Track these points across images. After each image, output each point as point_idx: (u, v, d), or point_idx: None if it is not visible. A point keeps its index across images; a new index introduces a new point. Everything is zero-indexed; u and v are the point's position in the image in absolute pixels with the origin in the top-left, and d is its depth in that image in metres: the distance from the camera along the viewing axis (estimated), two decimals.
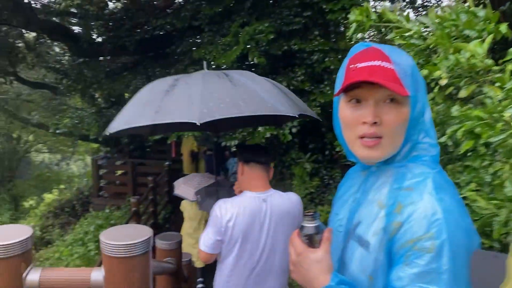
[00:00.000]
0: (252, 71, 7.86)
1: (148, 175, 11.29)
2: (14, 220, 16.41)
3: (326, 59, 6.75)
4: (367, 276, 1.06)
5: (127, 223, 8.01)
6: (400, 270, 0.96)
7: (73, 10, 9.38)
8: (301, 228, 1.08)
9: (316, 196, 7.27)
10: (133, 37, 7.82)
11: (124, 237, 1.51)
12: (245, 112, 2.06)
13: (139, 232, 1.55)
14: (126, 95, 15.22)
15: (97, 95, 8.40)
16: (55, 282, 1.53)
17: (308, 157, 7.24)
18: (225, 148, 10.05)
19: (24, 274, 1.48)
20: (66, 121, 8.99)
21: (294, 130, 6.51)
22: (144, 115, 2.10)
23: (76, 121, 9.13)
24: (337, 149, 6.76)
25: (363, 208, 1.14)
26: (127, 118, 2.23)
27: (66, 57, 9.47)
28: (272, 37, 5.99)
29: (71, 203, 13.61)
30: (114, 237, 1.51)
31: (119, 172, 13.33)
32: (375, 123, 1.04)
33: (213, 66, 6.98)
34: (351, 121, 1.09)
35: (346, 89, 1.07)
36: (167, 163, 11.77)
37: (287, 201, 2.42)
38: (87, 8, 8.11)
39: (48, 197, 16.58)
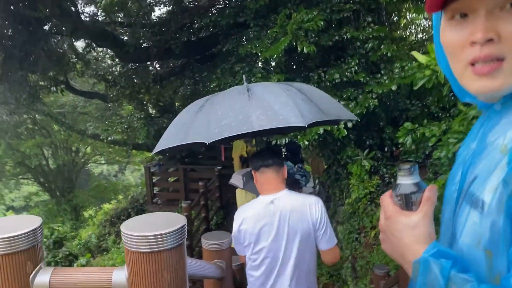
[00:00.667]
0: (301, 64, 7.49)
1: (200, 181, 11.20)
2: (75, 229, 16.95)
3: (382, 46, 6.22)
4: (483, 249, 0.74)
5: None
6: None
7: (120, 19, 9.51)
8: (395, 186, 0.89)
9: (376, 196, 6.71)
10: (179, 40, 7.71)
11: (150, 226, 1.18)
12: (255, 127, 2.12)
13: (170, 221, 1.21)
14: (177, 103, 15.41)
15: (146, 102, 8.35)
16: (69, 285, 1.22)
17: (366, 154, 6.71)
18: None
19: (31, 275, 1.20)
20: (115, 127, 9.05)
21: (349, 124, 6.04)
22: (176, 138, 2.32)
23: (125, 126, 9.16)
24: (399, 143, 6.26)
25: (480, 158, 0.82)
26: (165, 140, 2.51)
27: (114, 64, 9.61)
28: (322, 24, 5.57)
29: (126, 211, 13.78)
30: (138, 227, 1.19)
31: (172, 179, 13.35)
32: (489, 40, 0.73)
33: (260, 62, 6.67)
34: (456, 44, 0.80)
35: (445, 2, 0.78)
36: (217, 168, 11.60)
37: (298, 201, 2.40)
38: (133, 16, 8.13)
39: (106, 206, 17.00)
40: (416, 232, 0.82)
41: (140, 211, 13.51)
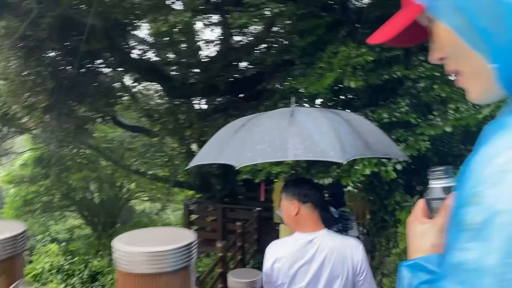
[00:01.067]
0: (348, 103, 7.23)
1: (238, 221, 10.89)
2: (113, 265, 16.86)
3: (435, 86, 5.87)
4: None
5: (212, 269, 7.51)
6: None
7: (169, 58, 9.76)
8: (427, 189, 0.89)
9: None
10: (224, 77, 7.72)
11: (149, 241, 0.94)
12: (289, 156, 2.03)
13: (176, 236, 0.96)
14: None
15: (188, 138, 8.33)
16: None
17: (416, 201, 6.21)
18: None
19: None
20: (155, 161, 9.05)
21: (398, 167, 5.63)
22: (211, 155, 2.26)
23: (165, 160, 9.13)
24: None
25: None
26: (201, 156, 2.49)
27: (159, 98, 9.76)
28: (370, 60, 5.33)
29: None
30: (134, 241, 0.95)
31: (210, 218, 13.14)
32: (443, 58, 0.78)
33: (305, 98, 6.48)
34: None
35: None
36: (256, 209, 11.28)
37: (338, 242, 2.22)
38: (181, 56, 8.31)
39: None
40: (421, 241, 0.83)
41: None
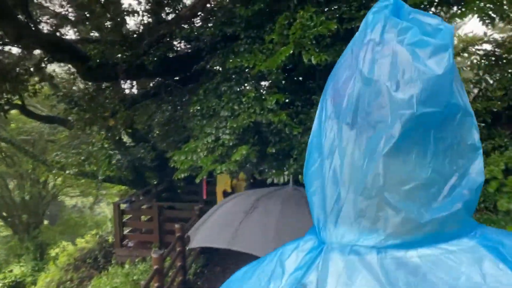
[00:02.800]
0: (302, 85, 6.26)
1: (177, 221, 9.71)
2: (37, 271, 15.06)
3: None
4: None
5: (148, 284, 6.30)
6: None
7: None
8: None
9: None
10: (154, 54, 6.41)
11: None
12: None
13: None
14: (157, 132, 14.03)
15: (111, 128, 6.93)
16: None
17: None
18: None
19: None
20: (71, 160, 7.60)
21: None
22: (222, 237, 2.28)
23: (83, 158, 7.69)
24: None
25: None
26: (209, 235, 2.54)
27: (80, 83, 8.21)
28: (334, 28, 4.33)
29: (93, 254, 12.07)
30: None
31: (145, 217, 11.81)
32: None
33: (253, 80, 5.39)
34: None
35: None
36: (198, 206, 10.13)
37: None
38: (102, 30, 6.86)
39: (69, 247, 15.17)
40: None
41: (108, 253, 11.85)
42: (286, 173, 4.99)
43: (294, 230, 1.91)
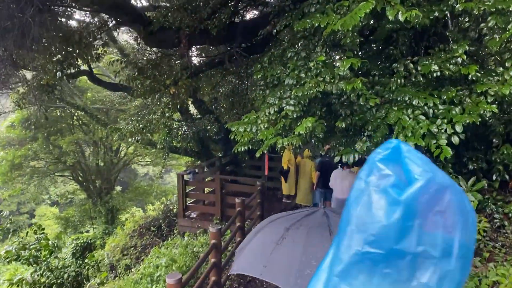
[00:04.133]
0: (381, 52, 5.51)
1: (239, 195, 9.45)
2: (107, 234, 15.78)
3: (510, 26, 4.12)
4: None
5: (204, 259, 6.08)
6: None
7: None
8: None
9: (484, 245, 4.59)
10: (218, 19, 5.97)
11: None
12: None
13: None
14: (222, 103, 13.79)
15: (173, 97, 6.65)
16: None
17: (472, 184, 4.61)
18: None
19: None
20: (131, 127, 7.52)
21: (455, 139, 3.98)
22: (255, 266, 2.34)
23: (141, 126, 7.55)
24: None
25: None
26: (244, 263, 2.61)
27: (138, 48, 8.04)
28: None
29: (157, 222, 12.27)
30: None
31: (208, 190, 11.72)
32: None
33: (325, 44, 4.77)
34: None
35: None
36: (260, 181, 9.79)
37: None
38: None
39: (138, 214, 15.66)
40: None
41: (172, 223, 11.98)
42: (357, 150, 4.38)
43: (318, 261, 1.86)
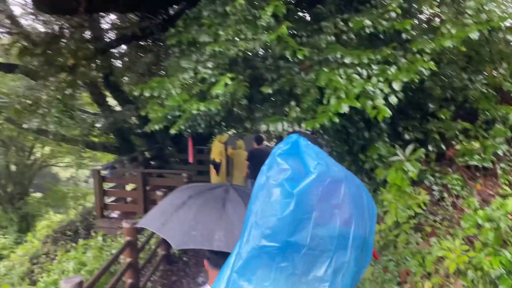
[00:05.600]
0: (310, 12, 4.96)
1: (161, 189, 8.61)
2: (19, 243, 14.08)
3: None
4: None
5: (115, 259, 5.22)
6: None
7: None
8: None
9: (425, 220, 4.21)
10: None
11: None
12: (214, 247, 1.99)
13: None
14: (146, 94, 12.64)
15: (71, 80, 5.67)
16: None
17: (411, 153, 4.21)
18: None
19: None
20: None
21: (393, 100, 3.52)
22: (156, 223, 2.16)
23: (30, 102, 6.47)
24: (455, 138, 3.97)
25: None
26: (148, 220, 2.26)
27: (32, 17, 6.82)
28: None
29: (74, 225, 11.02)
30: None
31: (130, 186, 10.71)
32: None
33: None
34: None
35: None
36: (186, 174, 9.00)
37: None
38: None
39: (50, 218, 14.10)
40: None
41: (92, 226, 10.78)
42: (286, 119, 3.80)
43: (204, 225, 2.03)
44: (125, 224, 5.68)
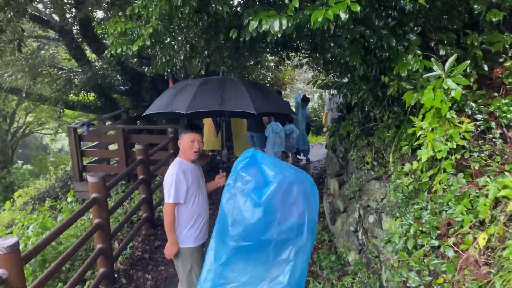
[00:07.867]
0: None
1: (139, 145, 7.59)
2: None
3: None
4: None
5: (76, 218, 4.24)
6: None
7: None
8: None
9: (470, 155, 3.20)
10: None
11: None
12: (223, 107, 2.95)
13: None
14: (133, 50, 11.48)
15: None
16: None
17: (450, 68, 3.16)
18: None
19: None
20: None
21: None
22: (159, 107, 3.04)
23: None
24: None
25: None
26: (154, 105, 3.19)
27: None
28: None
29: (53, 191, 10.09)
30: None
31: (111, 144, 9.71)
32: None
33: None
34: None
35: None
36: (172, 128, 7.96)
37: None
38: None
39: (32, 184, 13.17)
40: None
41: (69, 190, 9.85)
42: (285, 16, 2.73)
43: (202, 98, 3.01)
44: (90, 178, 4.69)
